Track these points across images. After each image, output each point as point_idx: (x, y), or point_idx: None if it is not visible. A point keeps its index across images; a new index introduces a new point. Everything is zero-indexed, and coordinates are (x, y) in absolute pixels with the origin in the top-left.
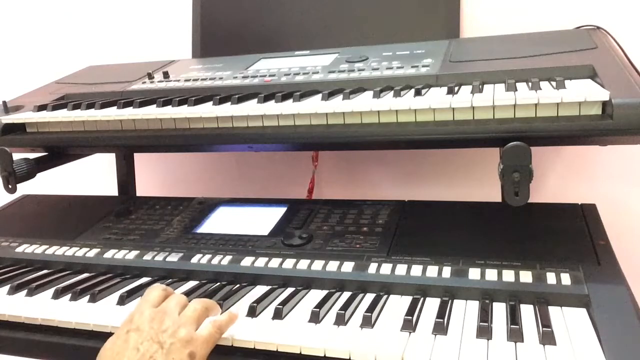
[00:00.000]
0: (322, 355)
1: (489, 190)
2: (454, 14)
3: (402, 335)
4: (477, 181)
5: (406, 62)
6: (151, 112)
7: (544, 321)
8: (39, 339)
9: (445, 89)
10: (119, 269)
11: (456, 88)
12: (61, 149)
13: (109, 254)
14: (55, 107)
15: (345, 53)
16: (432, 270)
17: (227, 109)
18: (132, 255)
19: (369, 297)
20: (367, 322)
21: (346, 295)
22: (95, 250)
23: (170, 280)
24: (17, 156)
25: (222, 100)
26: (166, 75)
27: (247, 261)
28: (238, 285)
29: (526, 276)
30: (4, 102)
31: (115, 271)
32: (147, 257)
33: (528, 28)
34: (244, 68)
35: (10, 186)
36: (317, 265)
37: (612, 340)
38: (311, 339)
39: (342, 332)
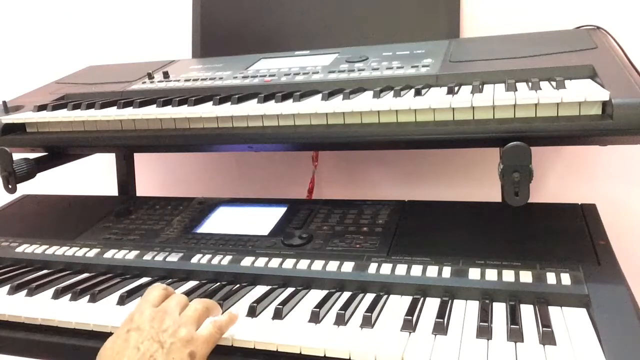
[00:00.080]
0: (322, 355)
1: (489, 190)
2: (454, 14)
3: (402, 335)
4: (477, 181)
5: (406, 62)
6: (151, 112)
7: (544, 321)
8: (39, 339)
9: (445, 89)
10: (119, 269)
11: (456, 88)
12: (61, 149)
13: (109, 254)
14: (55, 107)
15: (345, 53)
16: (432, 270)
17: (227, 109)
18: (132, 255)
19: (369, 297)
20: (367, 322)
21: (346, 295)
22: (95, 250)
23: (170, 280)
24: (17, 156)
25: (222, 100)
26: (166, 75)
27: (247, 261)
28: (238, 285)
29: (526, 276)
30: (4, 102)
31: (115, 271)
32: (147, 257)
33: (528, 28)
34: (244, 68)
35: (10, 186)
36: (317, 265)
37: (612, 340)
38: (311, 339)
39: (342, 332)
